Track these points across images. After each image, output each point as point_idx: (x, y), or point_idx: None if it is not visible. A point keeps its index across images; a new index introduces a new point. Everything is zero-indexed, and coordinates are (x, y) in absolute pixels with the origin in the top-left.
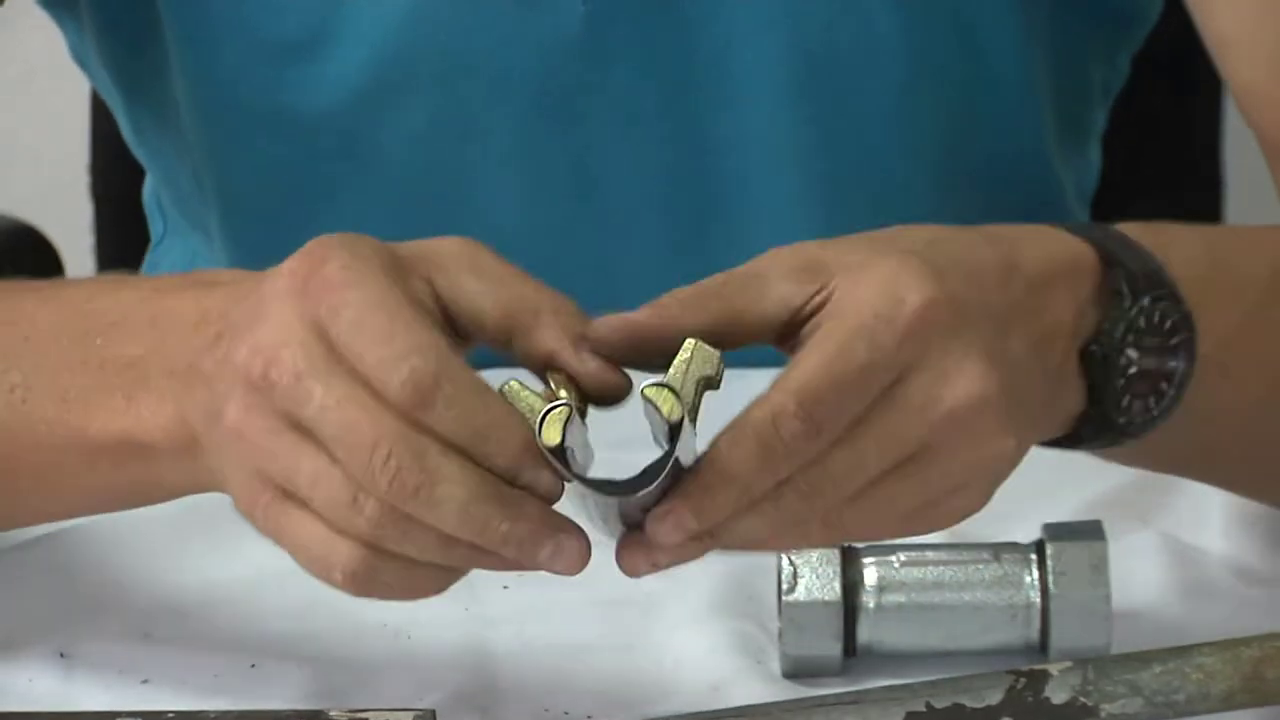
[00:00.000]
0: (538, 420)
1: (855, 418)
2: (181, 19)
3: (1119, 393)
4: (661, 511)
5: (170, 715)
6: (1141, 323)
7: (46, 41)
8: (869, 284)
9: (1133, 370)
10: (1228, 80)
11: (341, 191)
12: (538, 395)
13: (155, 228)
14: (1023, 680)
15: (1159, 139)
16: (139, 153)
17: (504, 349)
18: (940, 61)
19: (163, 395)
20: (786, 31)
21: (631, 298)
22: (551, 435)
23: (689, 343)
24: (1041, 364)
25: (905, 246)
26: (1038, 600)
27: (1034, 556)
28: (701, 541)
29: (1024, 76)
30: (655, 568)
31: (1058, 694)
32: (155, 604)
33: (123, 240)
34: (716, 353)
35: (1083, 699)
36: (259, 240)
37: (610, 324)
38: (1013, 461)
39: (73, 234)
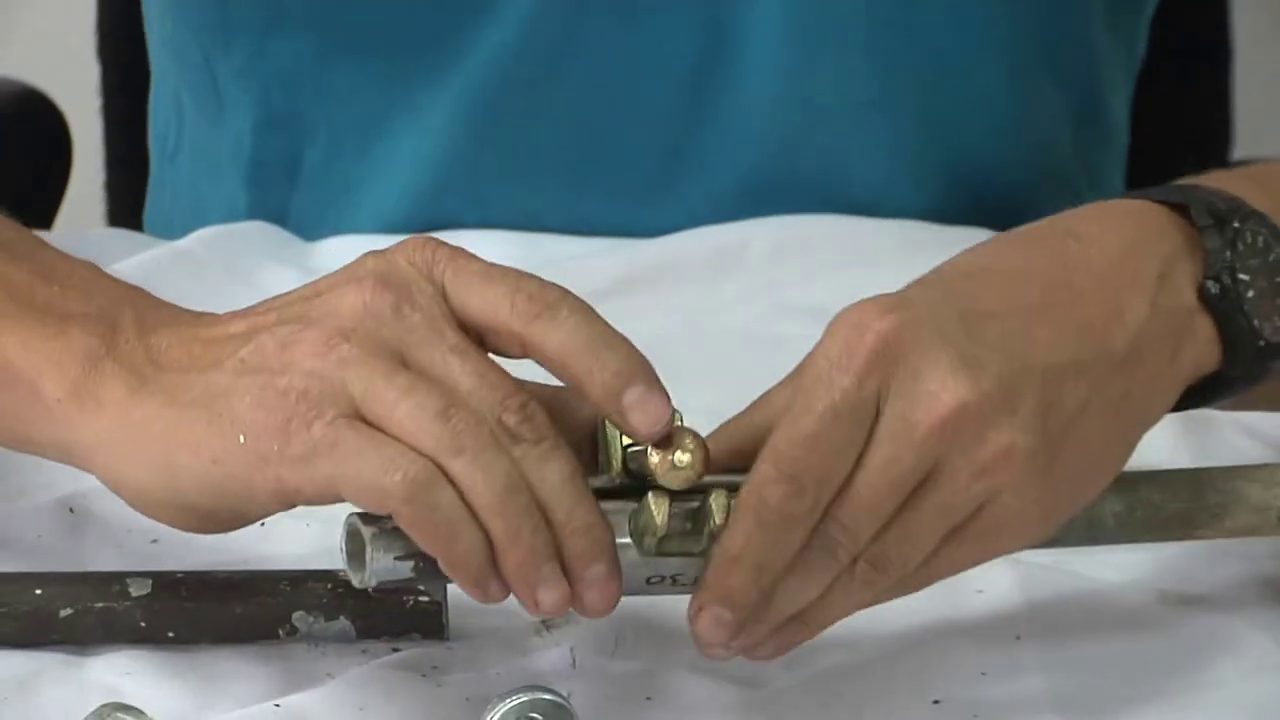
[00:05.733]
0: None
1: (845, 462)
2: None
3: (1248, 317)
4: (693, 612)
5: (179, 574)
6: (1240, 246)
7: None
8: (828, 334)
9: (1251, 294)
10: None
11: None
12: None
13: (168, 144)
14: None
15: (1166, 122)
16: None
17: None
18: None
19: (85, 334)
20: None
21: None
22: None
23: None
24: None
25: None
26: None
27: None
28: (764, 630)
29: None
30: (745, 652)
31: None
32: None
33: (130, 102)
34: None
35: None
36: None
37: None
38: (1029, 456)
39: (79, 96)
